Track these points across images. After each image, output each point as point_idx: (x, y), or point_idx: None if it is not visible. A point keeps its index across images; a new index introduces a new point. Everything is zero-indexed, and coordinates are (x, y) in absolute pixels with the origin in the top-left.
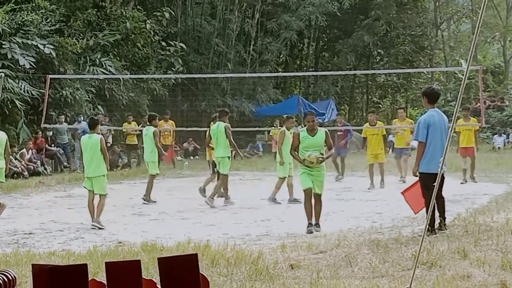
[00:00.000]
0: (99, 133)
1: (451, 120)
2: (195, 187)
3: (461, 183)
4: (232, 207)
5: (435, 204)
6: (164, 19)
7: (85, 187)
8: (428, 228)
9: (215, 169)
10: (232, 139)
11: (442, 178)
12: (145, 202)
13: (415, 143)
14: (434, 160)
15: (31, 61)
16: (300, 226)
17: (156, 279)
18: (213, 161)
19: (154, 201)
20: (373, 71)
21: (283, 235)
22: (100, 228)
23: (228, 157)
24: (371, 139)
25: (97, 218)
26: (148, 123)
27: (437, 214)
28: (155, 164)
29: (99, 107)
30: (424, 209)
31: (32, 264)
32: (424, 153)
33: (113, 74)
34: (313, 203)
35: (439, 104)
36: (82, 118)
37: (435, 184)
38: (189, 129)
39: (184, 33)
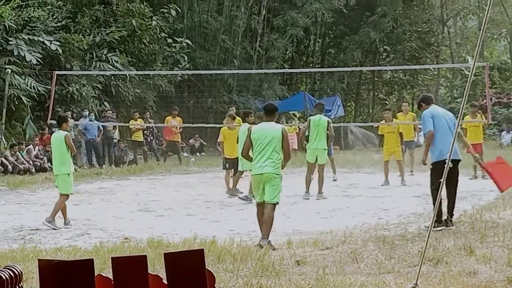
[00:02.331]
0: (67, 130)
1: (457, 116)
2: (201, 183)
3: (470, 178)
4: (240, 203)
5: (446, 199)
6: (170, 16)
7: (56, 186)
8: (436, 219)
9: (226, 165)
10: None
11: (457, 171)
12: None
13: (421, 139)
14: (445, 148)
15: (38, 57)
16: (306, 222)
17: (162, 274)
18: (225, 158)
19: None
20: (379, 68)
21: (289, 231)
22: (53, 228)
23: (325, 149)
24: (388, 136)
25: (50, 217)
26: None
27: (444, 209)
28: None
29: (106, 103)
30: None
31: (39, 260)
32: (434, 143)
33: (120, 70)
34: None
35: (445, 101)
36: (87, 113)
37: (441, 179)
38: (195, 125)
39: (190, 29)
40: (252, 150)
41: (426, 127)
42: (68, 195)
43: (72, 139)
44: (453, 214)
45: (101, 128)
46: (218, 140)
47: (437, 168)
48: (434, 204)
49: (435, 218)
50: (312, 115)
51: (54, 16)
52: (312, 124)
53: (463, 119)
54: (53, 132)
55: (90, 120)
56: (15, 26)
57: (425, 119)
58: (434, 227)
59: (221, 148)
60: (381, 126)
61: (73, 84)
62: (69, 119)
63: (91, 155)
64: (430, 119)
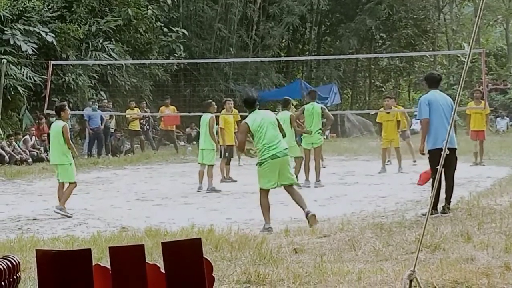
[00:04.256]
0: (65, 120)
1: (454, 104)
2: (198, 172)
3: (470, 165)
4: (236, 192)
5: (444, 185)
6: (166, 5)
7: (57, 178)
8: (432, 207)
9: (226, 153)
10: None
11: (455, 158)
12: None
13: (417, 126)
14: (440, 136)
15: (33, 48)
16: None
17: (160, 263)
18: (227, 145)
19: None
20: (375, 55)
21: (287, 219)
22: (67, 216)
23: (318, 137)
24: (386, 124)
25: (61, 204)
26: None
27: (442, 196)
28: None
29: (102, 92)
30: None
31: (36, 250)
32: (429, 131)
33: (116, 59)
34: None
35: (442, 88)
36: (92, 103)
37: (439, 166)
38: (192, 114)
39: (186, 18)
40: (254, 140)
41: (421, 114)
42: (76, 183)
43: (69, 129)
44: (450, 201)
45: (104, 117)
46: (220, 126)
47: (433, 156)
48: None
49: (431, 205)
50: (306, 104)
51: (50, 6)
52: (306, 113)
53: (467, 105)
54: (51, 122)
55: (93, 110)
56: (10, 16)
57: (421, 105)
58: (431, 214)
59: (220, 136)
60: (379, 114)
61: (69, 74)
62: (66, 108)
63: (92, 145)
64: (426, 106)
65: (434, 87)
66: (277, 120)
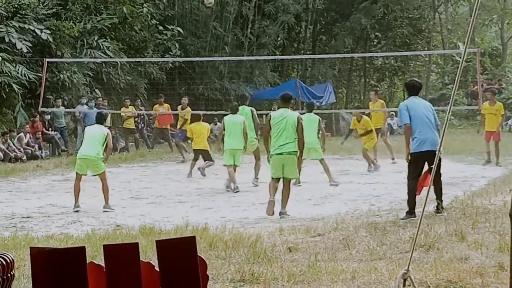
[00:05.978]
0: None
1: (448, 102)
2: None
3: (483, 164)
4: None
5: (432, 187)
6: (161, 2)
7: (78, 172)
8: (408, 210)
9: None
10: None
11: (439, 159)
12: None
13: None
14: (424, 140)
15: (28, 46)
16: (298, 209)
17: (154, 261)
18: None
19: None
20: (370, 54)
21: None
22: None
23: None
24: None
25: (107, 202)
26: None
27: (435, 196)
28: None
29: (97, 90)
30: (425, 191)
31: (30, 247)
32: (412, 135)
33: (111, 57)
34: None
35: (437, 87)
36: (85, 100)
37: (432, 166)
38: (185, 111)
39: (181, 16)
40: (271, 134)
41: (402, 120)
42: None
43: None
44: (442, 200)
45: None
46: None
47: (414, 159)
48: (408, 195)
49: (407, 209)
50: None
51: (45, 4)
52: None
53: (482, 105)
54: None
55: (90, 108)
56: (5, 13)
57: (401, 111)
58: (403, 218)
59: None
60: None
61: (64, 72)
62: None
63: None
64: (405, 112)
65: (414, 94)
66: (298, 123)
